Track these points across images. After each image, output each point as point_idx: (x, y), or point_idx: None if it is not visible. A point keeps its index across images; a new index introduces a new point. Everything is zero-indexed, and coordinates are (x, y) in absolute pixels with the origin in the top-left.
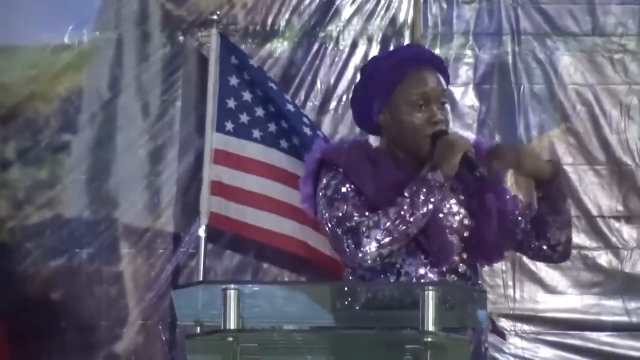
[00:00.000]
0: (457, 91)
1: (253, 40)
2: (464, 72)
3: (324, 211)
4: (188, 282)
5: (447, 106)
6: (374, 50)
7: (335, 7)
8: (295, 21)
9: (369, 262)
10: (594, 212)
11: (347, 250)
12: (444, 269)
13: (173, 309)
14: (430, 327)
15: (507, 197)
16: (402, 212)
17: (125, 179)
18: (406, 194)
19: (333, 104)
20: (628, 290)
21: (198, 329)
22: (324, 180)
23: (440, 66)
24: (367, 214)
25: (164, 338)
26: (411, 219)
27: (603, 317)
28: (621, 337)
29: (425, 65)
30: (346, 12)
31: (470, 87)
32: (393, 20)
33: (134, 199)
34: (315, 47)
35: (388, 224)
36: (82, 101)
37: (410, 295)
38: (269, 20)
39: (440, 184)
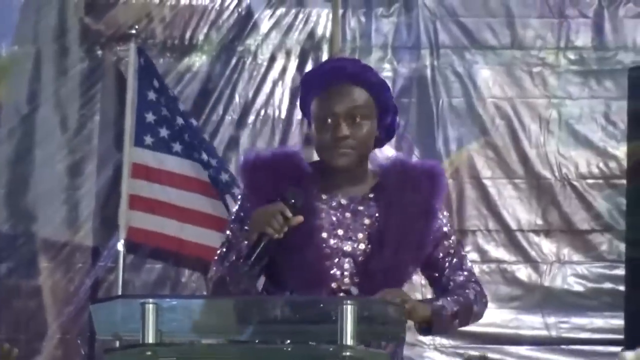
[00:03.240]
0: None
1: (171, 54)
2: None
3: None
4: (107, 296)
5: (367, 122)
6: (293, 64)
7: (253, 21)
8: (213, 35)
9: (210, 292)
10: (513, 226)
11: None
12: (334, 289)
13: (92, 323)
14: (349, 341)
15: (425, 230)
16: (227, 280)
17: (43, 193)
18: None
19: (251, 118)
20: (547, 305)
21: (117, 343)
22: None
23: (364, 80)
24: (227, 244)
25: (82, 352)
26: (230, 288)
27: (522, 331)
28: (540, 351)
29: (343, 81)
30: (264, 26)
31: None
32: (311, 34)
33: (53, 213)
34: (234, 61)
35: (218, 272)
36: (0, 115)
37: (329, 309)
38: (188, 35)
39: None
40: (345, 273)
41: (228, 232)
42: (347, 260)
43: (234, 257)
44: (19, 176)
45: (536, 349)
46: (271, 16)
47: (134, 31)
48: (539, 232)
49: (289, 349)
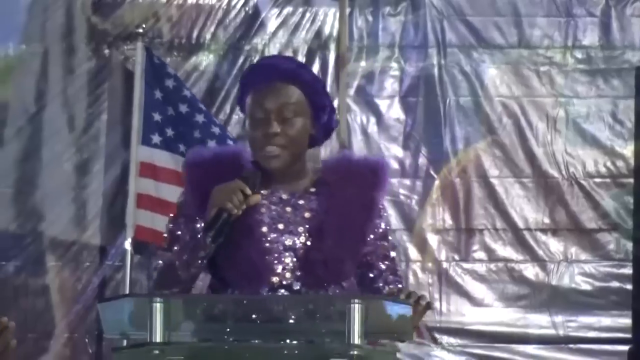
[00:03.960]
0: (382, 104)
1: (178, 54)
2: (390, 85)
3: None
4: (114, 295)
5: (298, 119)
6: None
7: (260, 20)
8: (220, 34)
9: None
10: (521, 224)
11: None
12: (275, 284)
13: (99, 321)
14: (356, 340)
15: (366, 224)
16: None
17: (51, 192)
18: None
19: None
20: (554, 303)
21: (124, 342)
22: None
23: (296, 78)
24: (169, 237)
25: (90, 351)
26: (180, 272)
27: (529, 330)
28: (548, 350)
29: (276, 79)
30: (271, 25)
31: (396, 99)
32: (318, 33)
33: (60, 212)
34: (241, 60)
35: (165, 259)
36: (8, 114)
37: (337, 308)
38: (195, 34)
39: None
40: (287, 267)
41: (170, 225)
42: (288, 254)
43: (187, 239)
44: (27, 175)
45: (544, 347)
46: (278, 15)
47: (141, 30)
48: (546, 231)
49: (297, 348)
